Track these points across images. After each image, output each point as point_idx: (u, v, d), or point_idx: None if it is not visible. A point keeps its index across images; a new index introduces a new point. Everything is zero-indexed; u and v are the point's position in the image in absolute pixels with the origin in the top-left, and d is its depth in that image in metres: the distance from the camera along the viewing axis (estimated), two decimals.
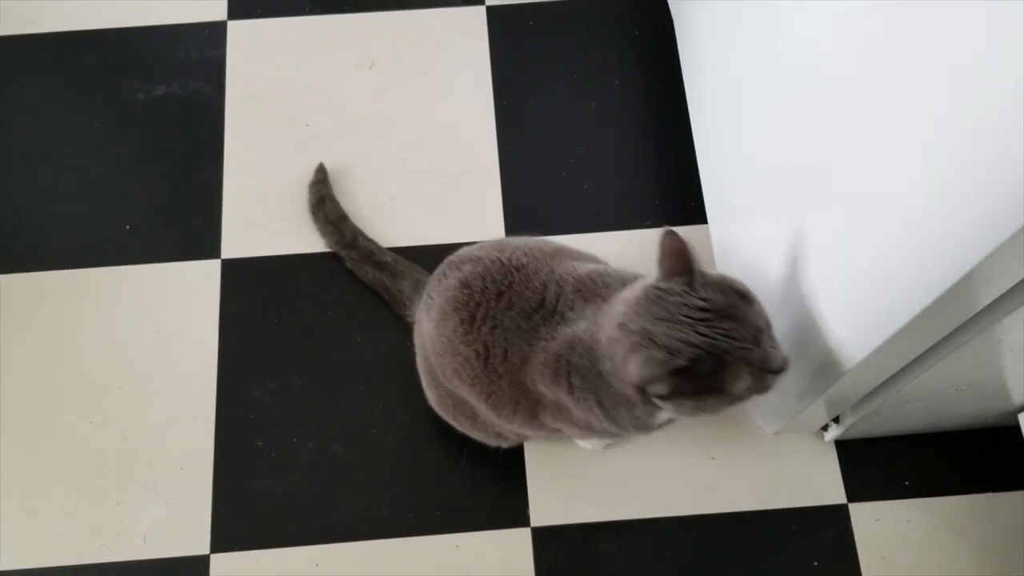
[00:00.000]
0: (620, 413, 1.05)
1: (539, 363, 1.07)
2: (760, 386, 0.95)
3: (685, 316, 0.92)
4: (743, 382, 0.92)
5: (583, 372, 1.03)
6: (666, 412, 1.02)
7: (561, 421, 1.14)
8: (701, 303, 0.92)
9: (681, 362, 0.89)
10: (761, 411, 1.37)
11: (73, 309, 1.53)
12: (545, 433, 1.22)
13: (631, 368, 0.91)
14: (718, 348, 0.90)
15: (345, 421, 1.46)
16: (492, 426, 1.24)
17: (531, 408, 1.13)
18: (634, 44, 1.73)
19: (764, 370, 0.93)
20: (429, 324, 1.17)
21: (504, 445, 1.35)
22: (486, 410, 1.17)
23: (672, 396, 0.91)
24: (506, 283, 1.10)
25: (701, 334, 0.91)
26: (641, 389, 0.92)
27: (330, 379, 1.49)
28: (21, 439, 1.45)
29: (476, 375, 1.12)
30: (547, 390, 1.09)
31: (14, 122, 1.67)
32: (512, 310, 1.08)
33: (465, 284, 1.11)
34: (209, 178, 1.62)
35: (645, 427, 1.07)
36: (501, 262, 1.11)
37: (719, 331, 0.91)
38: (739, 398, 0.95)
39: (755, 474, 1.42)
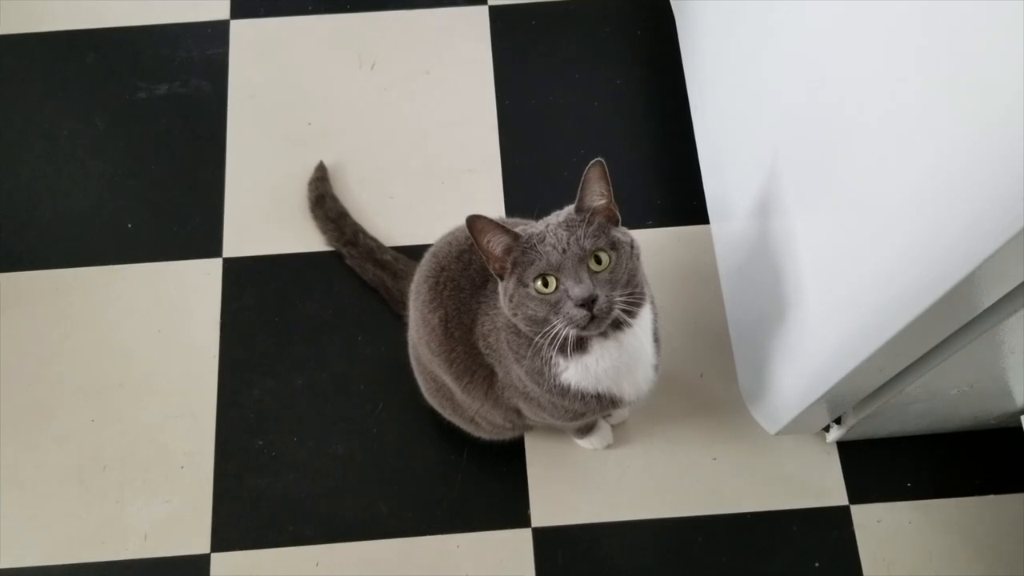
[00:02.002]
0: (523, 354, 1.06)
1: (481, 315, 1.12)
2: (557, 304, 0.97)
3: (550, 220, 1.02)
4: (535, 269, 0.97)
5: (509, 325, 1.07)
6: (567, 371, 1.05)
7: (509, 390, 1.16)
8: (565, 217, 1.01)
9: (508, 227, 0.99)
10: (762, 411, 1.37)
11: (74, 307, 1.53)
12: (506, 417, 1.23)
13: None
14: (534, 233, 0.99)
15: (345, 420, 1.46)
16: (466, 408, 1.26)
17: (486, 378, 1.17)
18: (636, 44, 1.73)
19: (553, 275, 0.97)
20: (411, 305, 1.23)
21: (484, 436, 1.35)
22: (453, 384, 1.20)
23: (498, 262, 1.01)
24: (467, 245, 1.15)
25: (540, 227, 1.01)
26: (489, 255, 1.01)
27: (330, 378, 1.49)
28: (21, 437, 1.45)
29: (441, 342, 1.15)
30: (483, 344, 1.13)
31: (16, 120, 1.67)
32: (470, 269, 1.13)
33: (434, 254, 1.18)
34: (211, 177, 1.62)
35: (553, 387, 1.07)
36: (468, 231, 1.14)
37: (552, 230, 0.99)
38: (536, 300, 0.97)
39: (756, 475, 1.42)
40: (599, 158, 0.98)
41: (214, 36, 1.73)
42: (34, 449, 1.44)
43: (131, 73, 1.71)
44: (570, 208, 1.02)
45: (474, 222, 0.97)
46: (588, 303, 0.95)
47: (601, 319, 0.97)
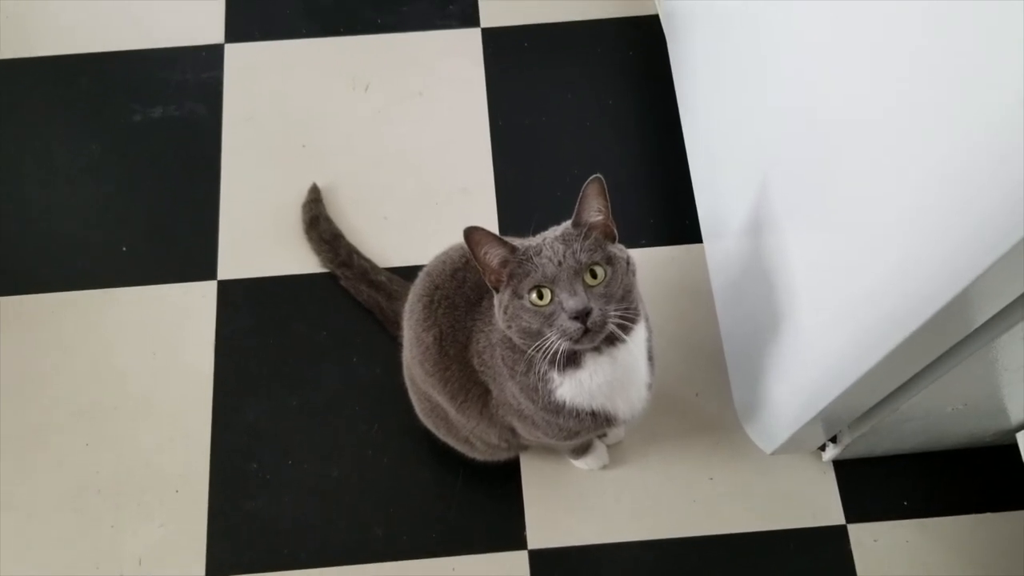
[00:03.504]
0: (518, 370, 1.06)
1: (476, 332, 1.12)
2: (551, 316, 0.97)
3: (548, 234, 1.03)
4: (530, 281, 0.97)
5: (504, 341, 1.07)
6: (561, 386, 1.05)
7: (504, 408, 1.16)
8: (562, 231, 1.01)
9: (505, 239, 1.00)
10: (758, 430, 1.37)
11: (69, 331, 1.52)
12: (501, 436, 1.22)
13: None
14: (531, 246, 0.99)
15: (340, 443, 1.45)
16: (461, 428, 1.25)
17: (481, 397, 1.16)
18: (628, 65, 1.74)
19: (548, 288, 0.97)
20: (405, 325, 1.23)
21: (478, 457, 1.35)
22: (448, 403, 1.20)
23: (494, 274, 1.01)
24: (462, 263, 1.15)
25: (536, 240, 1.02)
26: (486, 267, 1.01)
27: (325, 400, 1.48)
28: (16, 461, 1.44)
29: (435, 361, 1.15)
30: (477, 361, 1.13)
31: (13, 144, 1.67)
32: (464, 287, 1.14)
33: (428, 273, 1.19)
34: (205, 199, 1.62)
35: (548, 403, 1.07)
36: (462, 250, 1.17)
37: (549, 243, 0.99)
38: (531, 312, 0.97)
39: (753, 495, 1.42)
40: (598, 174, 0.98)
41: (209, 60, 1.74)
42: (29, 473, 1.44)
43: (126, 97, 1.71)
44: (567, 223, 1.02)
45: (471, 233, 0.98)
46: (582, 315, 0.95)
47: (595, 333, 0.97)
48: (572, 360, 1.02)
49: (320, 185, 1.60)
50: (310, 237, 1.55)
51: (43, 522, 1.41)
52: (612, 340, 1.01)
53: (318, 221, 1.54)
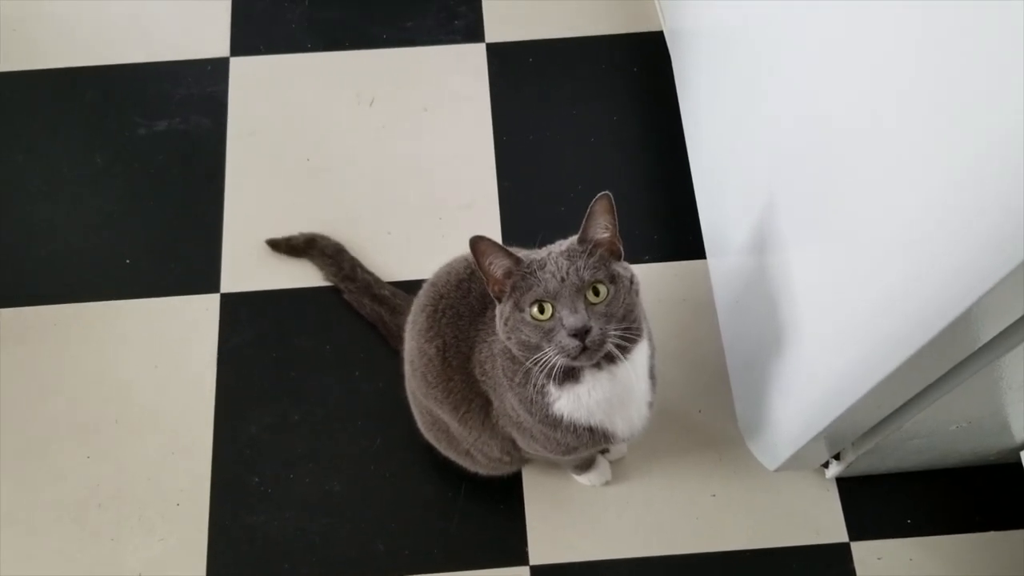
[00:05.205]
0: (516, 381, 1.06)
1: (479, 342, 1.12)
2: (550, 331, 0.97)
3: (553, 248, 1.03)
4: (532, 295, 0.97)
5: (504, 351, 1.07)
6: (559, 400, 1.05)
7: (504, 419, 1.15)
8: (568, 246, 1.01)
9: (510, 251, 1.00)
10: (761, 447, 1.37)
11: (71, 343, 1.52)
12: (503, 448, 1.22)
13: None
14: (536, 259, 1.00)
15: (342, 457, 1.45)
16: (462, 440, 1.25)
17: (483, 408, 1.16)
18: (633, 81, 1.75)
19: (550, 303, 0.97)
20: (408, 336, 1.23)
21: (480, 471, 1.34)
22: (450, 415, 1.19)
23: (498, 285, 1.01)
24: (467, 273, 1.16)
25: (542, 254, 1.02)
26: (490, 277, 1.02)
27: (327, 414, 1.48)
28: (17, 474, 1.44)
29: (438, 373, 1.15)
30: (479, 371, 1.13)
31: (16, 157, 1.68)
32: (469, 297, 1.14)
33: (433, 283, 1.19)
34: (209, 213, 1.62)
35: (545, 417, 1.07)
36: (467, 260, 1.17)
37: (553, 258, 0.99)
38: (531, 326, 0.97)
39: (756, 512, 1.41)
40: (606, 191, 0.98)
41: (214, 73, 1.75)
42: (29, 486, 1.43)
43: (131, 110, 1.72)
44: (574, 238, 1.03)
45: (477, 243, 0.98)
46: (581, 334, 0.95)
47: (593, 351, 0.97)
48: (570, 375, 1.02)
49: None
50: (312, 256, 1.55)
51: (43, 535, 1.40)
52: (612, 357, 1.01)
53: (315, 240, 1.54)
